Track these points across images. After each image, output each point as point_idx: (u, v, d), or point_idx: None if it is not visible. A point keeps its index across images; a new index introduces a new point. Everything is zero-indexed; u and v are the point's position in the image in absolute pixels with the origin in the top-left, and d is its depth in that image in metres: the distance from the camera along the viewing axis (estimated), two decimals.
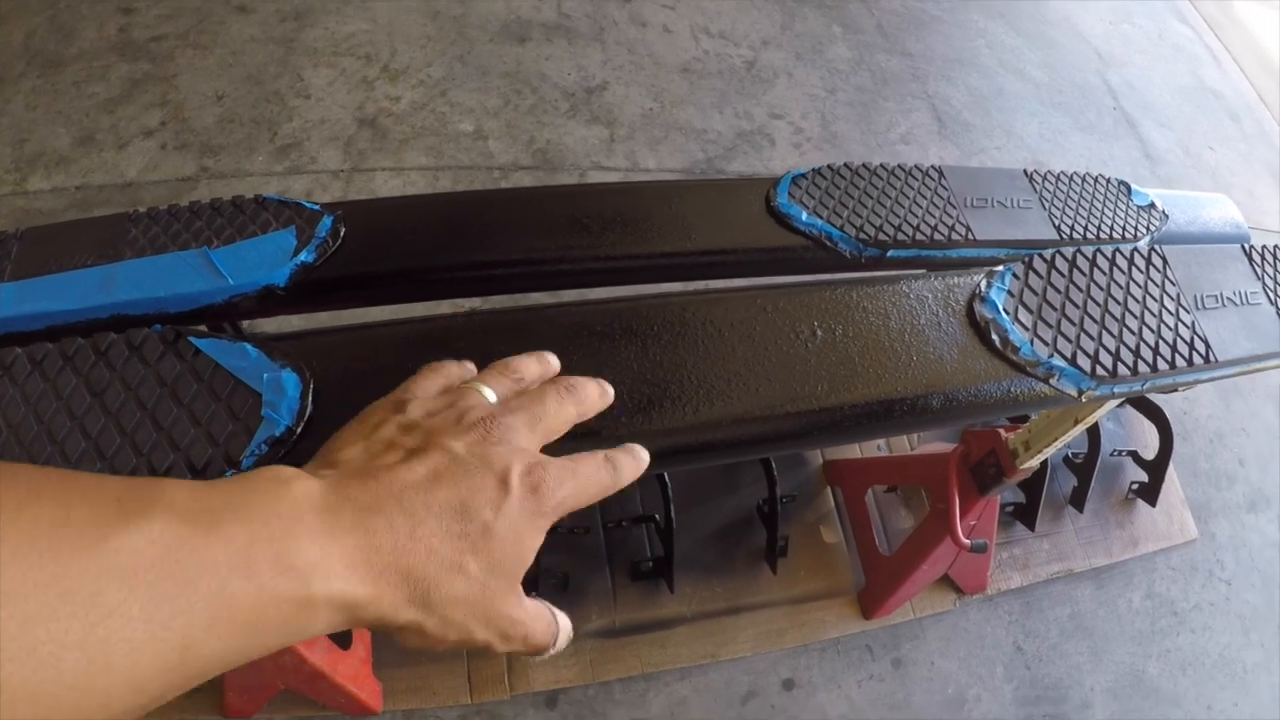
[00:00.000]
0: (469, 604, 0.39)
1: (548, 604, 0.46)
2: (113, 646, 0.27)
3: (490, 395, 0.48)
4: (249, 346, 0.61)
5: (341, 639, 1.19)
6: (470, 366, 0.55)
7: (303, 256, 0.81)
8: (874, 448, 1.70)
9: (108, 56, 1.98)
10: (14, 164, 1.77)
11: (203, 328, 0.65)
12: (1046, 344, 0.77)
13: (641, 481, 1.52)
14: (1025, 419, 1.40)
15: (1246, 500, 1.91)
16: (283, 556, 0.33)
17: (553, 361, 0.56)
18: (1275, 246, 1.00)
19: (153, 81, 1.96)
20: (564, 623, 0.47)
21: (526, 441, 0.45)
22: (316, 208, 0.86)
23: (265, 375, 0.59)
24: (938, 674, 1.50)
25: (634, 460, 0.50)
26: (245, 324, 1.03)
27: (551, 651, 0.46)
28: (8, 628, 0.25)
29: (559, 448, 0.48)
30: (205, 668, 0.31)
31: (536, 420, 0.47)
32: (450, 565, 0.38)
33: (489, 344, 0.64)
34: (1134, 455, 1.78)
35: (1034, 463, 1.19)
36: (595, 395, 0.53)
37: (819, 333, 0.74)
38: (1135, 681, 1.59)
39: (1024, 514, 1.63)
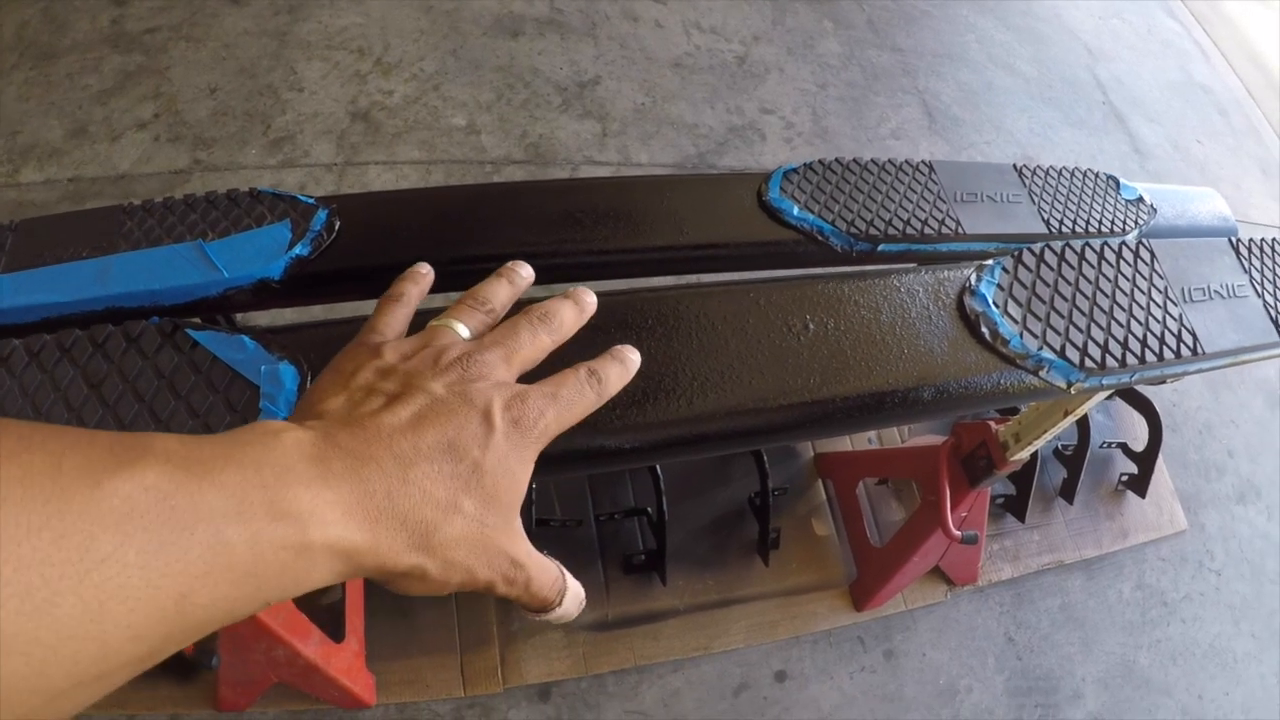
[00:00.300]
0: (469, 543, 0.39)
1: (558, 563, 0.46)
2: (108, 593, 0.27)
3: (463, 331, 0.48)
4: (246, 339, 0.61)
5: (335, 633, 1.20)
6: (429, 278, 0.55)
7: (297, 250, 0.81)
8: (865, 441, 1.71)
9: (100, 48, 1.98)
10: (6, 155, 1.77)
11: (197, 320, 0.66)
12: (1036, 336, 0.78)
13: (633, 475, 1.52)
14: (1015, 411, 1.41)
15: (1236, 491, 1.93)
16: (277, 503, 0.33)
17: (523, 273, 0.55)
18: (1262, 240, 1.01)
19: (146, 74, 1.95)
20: (574, 585, 0.46)
21: (505, 375, 0.45)
22: (311, 201, 0.86)
23: (263, 367, 0.59)
24: (929, 665, 1.51)
25: (621, 366, 0.50)
26: (239, 317, 1.04)
27: (558, 612, 0.45)
28: (3, 572, 0.24)
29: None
30: (204, 618, 0.31)
31: (512, 353, 0.46)
32: (446, 506, 0.38)
33: None
34: (1124, 447, 1.80)
35: (1024, 454, 1.20)
36: (571, 317, 0.51)
37: (811, 326, 0.75)
38: (1126, 672, 1.61)
39: (1014, 506, 1.65)
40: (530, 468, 0.43)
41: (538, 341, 0.48)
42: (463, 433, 0.40)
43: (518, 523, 0.42)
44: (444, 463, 0.39)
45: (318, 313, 1.14)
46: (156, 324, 0.60)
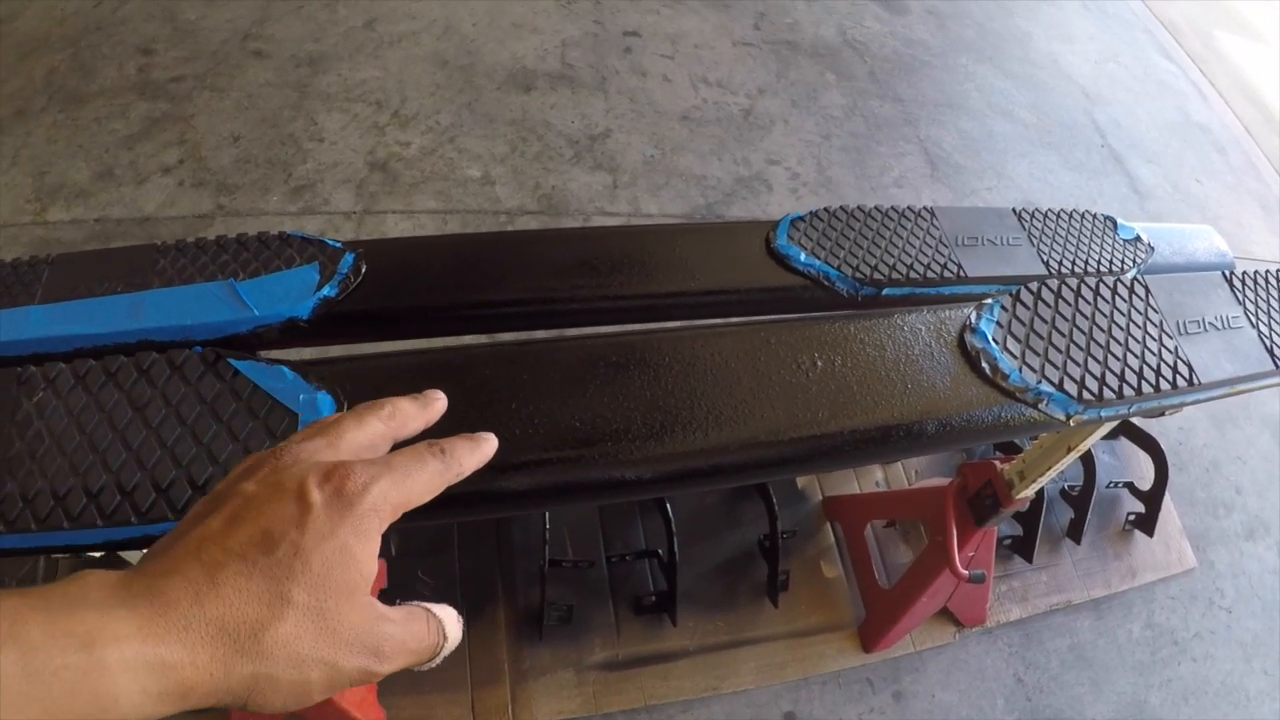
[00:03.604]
0: (313, 634, 0.36)
1: (418, 603, 0.42)
2: None
3: None
4: (285, 369, 0.65)
5: None
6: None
7: (325, 291, 0.85)
8: (872, 484, 1.73)
9: (127, 95, 2.06)
10: (35, 194, 1.83)
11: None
12: (1034, 371, 0.81)
13: (644, 517, 1.53)
14: (1019, 450, 1.43)
15: (1245, 528, 1.93)
16: (55, 624, 0.31)
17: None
18: (1255, 272, 1.03)
19: (171, 121, 2.02)
20: (445, 614, 0.43)
21: (328, 458, 0.42)
22: (339, 245, 0.89)
23: (301, 396, 0.62)
24: (938, 706, 1.50)
25: (474, 446, 0.46)
26: (264, 355, 1.07)
27: (446, 650, 0.42)
28: None
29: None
30: None
31: (336, 438, 0.43)
32: (271, 599, 0.35)
33: (513, 372, 0.68)
34: (1130, 486, 1.80)
35: (1029, 492, 1.22)
36: (411, 409, 0.48)
37: (819, 363, 0.78)
38: (1137, 712, 1.59)
39: (1021, 547, 1.65)
40: (370, 540, 0.39)
41: (365, 425, 0.45)
42: (276, 519, 0.37)
43: (365, 596, 0.39)
44: (258, 555, 0.36)
45: (338, 353, 1.18)
46: (199, 353, 0.64)
